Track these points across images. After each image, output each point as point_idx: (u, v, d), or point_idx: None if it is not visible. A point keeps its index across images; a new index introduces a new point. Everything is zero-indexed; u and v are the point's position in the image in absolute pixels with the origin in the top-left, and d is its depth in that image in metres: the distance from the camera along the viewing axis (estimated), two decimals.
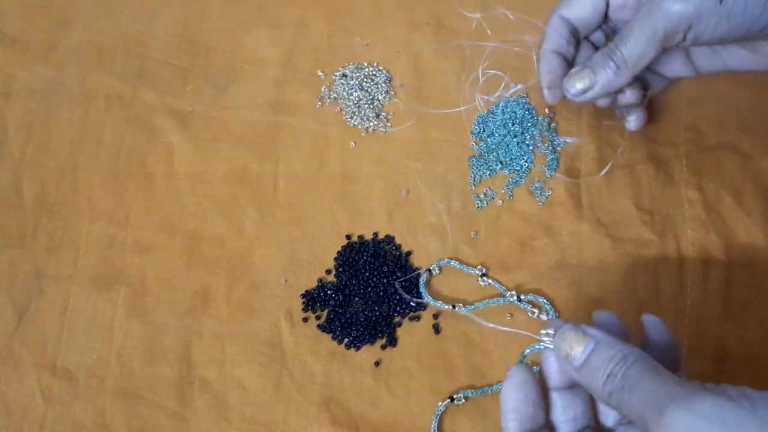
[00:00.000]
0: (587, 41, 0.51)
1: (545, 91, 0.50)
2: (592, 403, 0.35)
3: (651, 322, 0.35)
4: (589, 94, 0.46)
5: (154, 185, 0.54)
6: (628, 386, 0.30)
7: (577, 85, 0.46)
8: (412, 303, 0.48)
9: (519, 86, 0.56)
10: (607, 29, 0.51)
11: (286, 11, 0.62)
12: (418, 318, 0.48)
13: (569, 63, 0.50)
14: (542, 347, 0.35)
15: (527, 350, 0.35)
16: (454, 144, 0.54)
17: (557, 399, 0.35)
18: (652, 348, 0.35)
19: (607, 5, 0.48)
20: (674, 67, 0.50)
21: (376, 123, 0.55)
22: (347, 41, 0.60)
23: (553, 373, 0.35)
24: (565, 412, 0.34)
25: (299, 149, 0.55)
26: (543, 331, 0.35)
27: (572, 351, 0.32)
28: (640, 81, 0.50)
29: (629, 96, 0.48)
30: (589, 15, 0.48)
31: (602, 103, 0.49)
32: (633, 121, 0.50)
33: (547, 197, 0.52)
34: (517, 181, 0.53)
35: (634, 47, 0.43)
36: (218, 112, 0.57)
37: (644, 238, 0.50)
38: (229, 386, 0.46)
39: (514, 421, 0.33)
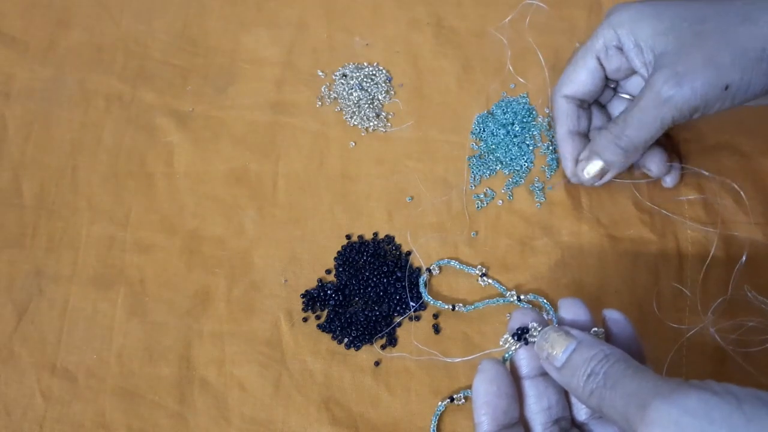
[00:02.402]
0: (597, 104, 0.51)
1: (570, 176, 0.50)
2: (566, 395, 0.35)
3: (613, 318, 0.35)
4: (606, 178, 0.47)
5: (154, 185, 0.54)
6: (610, 384, 0.29)
7: (590, 172, 0.47)
8: (412, 303, 0.48)
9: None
10: (611, 84, 0.50)
11: (286, 11, 0.62)
12: (418, 318, 0.48)
13: (586, 136, 0.50)
14: (510, 354, 0.35)
15: (506, 355, 0.36)
16: (454, 144, 0.54)
17: (530, 388, 0.35)
18: (615, 343, 0.34)
19: (604, 70, 0.47)
20: None
21: (376, 123, 0.56)
22: (347, 41, 0.60)
23: (524, 360, 0.35)
24: (538, 401, 0.34)
25: (299, 149, 0.55)
26: (501, 341, 0.36)
27: (554, 351, 0.32)
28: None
29: (655, 171, 0.49)
30: (590, 85, 0.48)
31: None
32: (669, 180, 0.50)
33: (546, 197, 0.52)
34: (516, 181, 0.53)
35: (641, 133, 0.44)
36: (218, 112, 0.57)
37: (644, 238, 0.50)
38: (229, 386, 0.46)
39: (487, 415, 0.33)
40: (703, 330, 0.46)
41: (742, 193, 0.49)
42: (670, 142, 0.52)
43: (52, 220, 0.53)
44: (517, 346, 0.35)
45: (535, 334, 0.34)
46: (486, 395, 0.33)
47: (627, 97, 0.50)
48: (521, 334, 0.35)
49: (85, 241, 0.52)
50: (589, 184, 0.49)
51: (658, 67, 0.42)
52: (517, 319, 0.35)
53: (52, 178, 0.54)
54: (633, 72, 0.47)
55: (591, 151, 0.47)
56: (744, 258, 0.47)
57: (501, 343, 0.36)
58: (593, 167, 0.47)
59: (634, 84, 0.49)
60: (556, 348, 0.32)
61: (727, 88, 0.40)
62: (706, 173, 0.50)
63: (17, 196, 0.54)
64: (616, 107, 0.51)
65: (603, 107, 0.51)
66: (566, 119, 0.49)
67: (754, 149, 0.52)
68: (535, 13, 0.59)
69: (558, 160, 0.53)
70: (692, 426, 0.26)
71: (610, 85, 0.50)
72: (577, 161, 0.49)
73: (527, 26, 0.59)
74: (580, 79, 0.48)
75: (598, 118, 0.50)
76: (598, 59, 0.47)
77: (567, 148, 0.49)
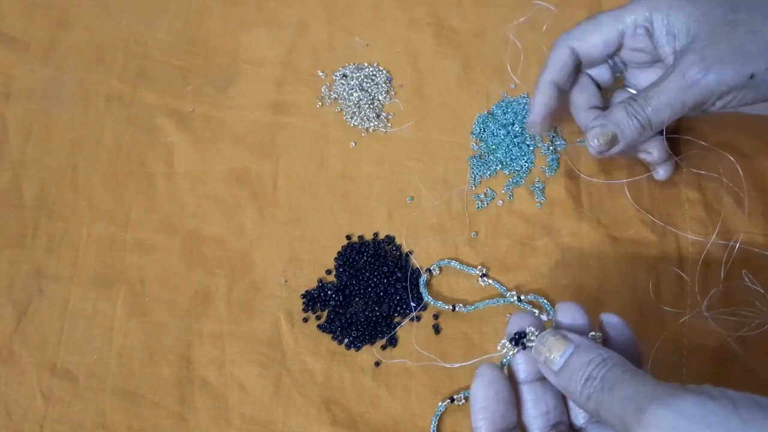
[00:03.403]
0: (586, 73, 0.50)
1: (530, 121, 0.49)
2: (564, 399, 0.35)
3: (611, 322, 0.35)
4: (613, 150, 0.46)
5: (154, 185, 0.54)
6: (608, 388, 0.29)
7: (600, 140, 0.45)
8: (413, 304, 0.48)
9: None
10: (611, 63, 0.49)
11: (286, 11, 0.62)
12: (418, 318, 0.48)
13: (563, 95, 0.49)
14: (508, 359, 0.35)
15: (504, 360, 0.36)
16: (454, 144, 0.54)
17: (527, 393, 0.34)
18: (613, 347, 0.34)
19: (620, 46, 0.47)
20: None
21: (376, 123, 0.55)
22: (347, 41, 0.60)
23: (522, 364, 0.35)
24: (536, 405, 0.34)
25: (299, 149, 0.55)
26: (499, 346, 0.35)
27: (551, 355, 0.32)
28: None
29: (656, 155, 0.48)
30: (598, 51, 0.47)
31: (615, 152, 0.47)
32: (662, 172, 0.50)
33: (547, 197, 0.52)
34: (517, 181, 0.53)
35: (661, 112, 0.43)
36: (218, 112, 0.57)
37: (644, 238, 0.50)
38: (229, 386, 0.46)
39: (485, 420, 0.33)
40: (703, 330, 0.46)
41: (742, 194, 0.49)
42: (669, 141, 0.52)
43: (52, 220, 0.53)
44: (515, 351, 0.35)
45: (532, 338, 0.34)
46: (484, 400, 0.33)
47: (632, 91, 0.49)
48: (519, 339, 0.35)
49: (85, 241, 0.52)
50: (594, 153, 0.46)
51: (687, 52, 0.42)
52: (515, 324, 0.35)
53: (52, 178, 0.54)
54: (649, 60, 0.47)
55: (608, 119, 0.45)
56: (735, 244, 0.47)
57: (499, 348, 0.36)
58: (605, 137, 0.45)
59: (641, 78, 0.49)
60: (554, 352, 0.32)
61: (752, 77, 0.40)
62: (703, 172, 0.50)
63: (17, 196, 0.54)
64: (617, 99, 0.50)
65: (594, 82, 0.50)
66: (559, 69, 0.48)
67: (754, 149, 0.52)
68: (535, 13, 0.59)
69: (558, 161, 0.53)
70: (689, 430, 0.26)
71: (610, 63, 0.49)
72: (545, 113, 0.48)
73: (547, 30, 0.58)
74: (595, 41, 0.47)
75: (583, 86, 0.49)
76: (622, 34, 0.46)
77: (543, 96, 0.48)
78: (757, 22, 0.41)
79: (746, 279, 0.46)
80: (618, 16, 0.46)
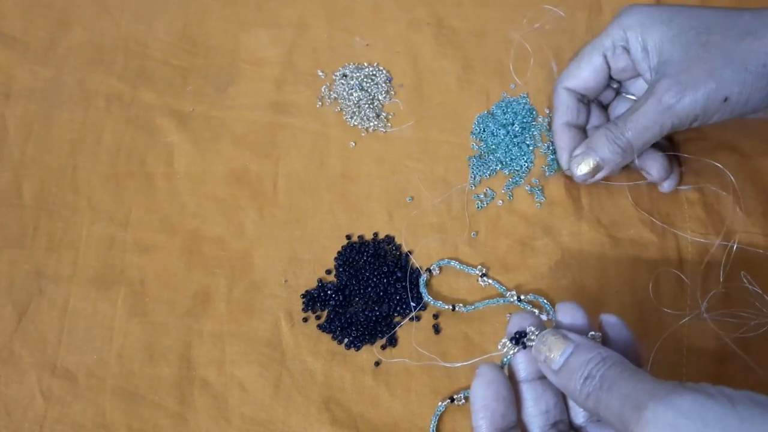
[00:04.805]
0: (597, 102, 0.51)
1: (565, 168, 0.50)
2: (563, 398, 0.35)
3: (610, 322, 0.35)
4: (598, 176, 0.47)
5: (154, 185, 0.54)
6: (607, 386, 0.30)
7: (583, 168, 0.47)
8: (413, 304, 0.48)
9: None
10: (614, 84, 0.51)
11: (286, 11, 0.62)
12: (418, 318, 0.48)
13: (583, 130, 0.50)
14: (508, 359, 0.35)
15: (505, 359, 0.36)
16: (454, 144, 0.54)
17: (527, 391, 0.35)
18: (612, 347, 0.35)
19: (609, 68, 0.48)
20: None
21: (376, 123, 0.56)
22: (347, 41, 0.60)
23: (522, 363, 0.35)
24: (536, 404, 0.34)
25: (299, 149, 0.55)
26: (499, 345, 0.36)
27: (551, 354, 0.33)
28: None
29: (655, 175, 0.49)
30: (593, 81, 0.49)
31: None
32: (667, 185, 0.50)
33: (546, 197, 0.52)
34: (517, 181, 0.53)
35: (641, 136, 0.45)
36: (218, 112, 0.57)
37: (644, 238, 0.50)
38: (229, 386, 0.46)
39: (485, 419, 0.33)
40: (702, 330, 0.46)
41: (731, 178, 0.49)
42: (671, 144, 0.52)
43: (52, 220, 0.53)
44: (515, 350, 0.35)
45: (533, 337, 0.34)
46: (484, 399, 0.33)
47: (631, 97, 0.50)
48: (519, 338, 0.35)
49: (85, 241, 0.52)
50: (580, 181, 0.49)
51: (662, 75, 0.43)
52: (515, 323, 0.35)
53: (52, 178, 0.54)
54: (638, 74, 0.48)
55: (587, 147, 0.47)
56: (735, 245, 0.47)
57: (499, 347, 0.36)
58: (587, 164, 0.47)
59: (638, 86, 0.49)
60: (554, 351, 0.33)
61: (726, 100, 0.41)
62: (713, 163, 0.50)
63: (17, 196, 0.54)
64: (617, 108, 0.51)
65: (603, 107, 0.52)
66: (565, 111, 0.49)
67: (754, 149, 0.52)
68: (535, 14, 0.59)
69: (558, 161, 0.53)
70: (687, 427, 0.26)
71: (612, 85, 0.50)
72: (572, 155, 0.49)
73: (547, 30, 0.58)
74: (584, 74, 0.48)
75: (596, 117, 0.51)
76: (605, 57, 0.48)
77: (563, 140, 0.49)
78: (730, 45, 0.41)
79: (744, 280, 0.46)
80: (597, 43, 0.48)
